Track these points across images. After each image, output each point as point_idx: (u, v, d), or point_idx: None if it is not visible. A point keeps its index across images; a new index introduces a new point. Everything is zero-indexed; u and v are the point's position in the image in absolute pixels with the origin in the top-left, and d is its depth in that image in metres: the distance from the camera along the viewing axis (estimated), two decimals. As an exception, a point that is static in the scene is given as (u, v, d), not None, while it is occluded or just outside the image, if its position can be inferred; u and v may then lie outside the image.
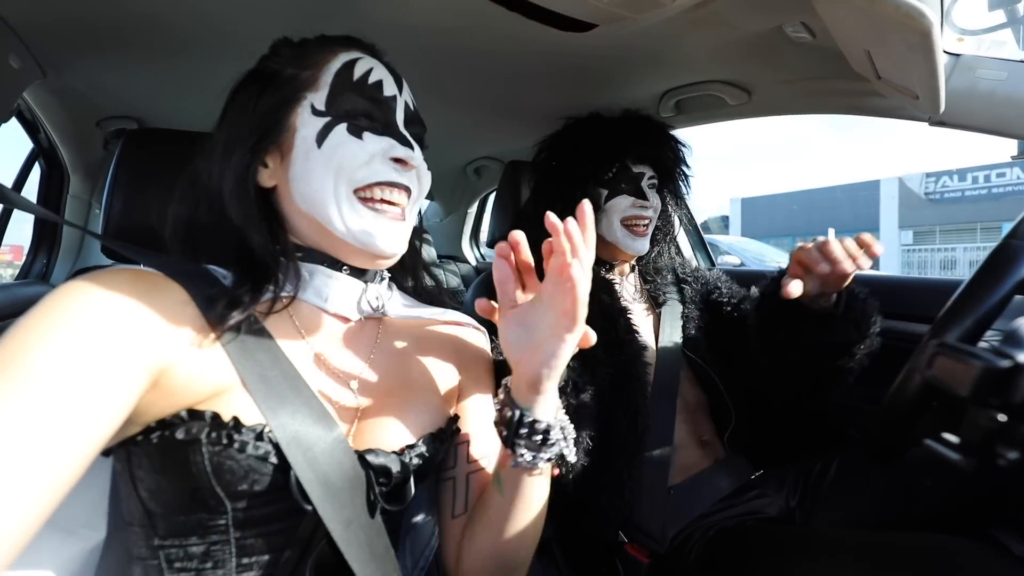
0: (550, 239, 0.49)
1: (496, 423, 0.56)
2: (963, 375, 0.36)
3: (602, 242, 1.04)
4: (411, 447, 0.55)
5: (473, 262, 2.66)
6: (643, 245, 1.04)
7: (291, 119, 0.55)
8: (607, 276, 1.05)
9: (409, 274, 0.69)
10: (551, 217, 0.48)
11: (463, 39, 0.96)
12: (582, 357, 0.83)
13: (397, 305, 0.64)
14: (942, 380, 0.38)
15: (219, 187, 0.54)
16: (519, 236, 0.52)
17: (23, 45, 0.93)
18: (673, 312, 1.08)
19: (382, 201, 0.55)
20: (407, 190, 0.57)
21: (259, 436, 0.46)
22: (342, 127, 0.54)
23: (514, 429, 0.52)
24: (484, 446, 0.64)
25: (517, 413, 0.52)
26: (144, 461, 0.47)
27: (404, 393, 0.59)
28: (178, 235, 0.58)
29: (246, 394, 0.48)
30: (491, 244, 1.35)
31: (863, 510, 0.86)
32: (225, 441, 0.45)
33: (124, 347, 0.43)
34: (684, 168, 1.13)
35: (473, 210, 2.57)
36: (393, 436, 0.55)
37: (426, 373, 0.62)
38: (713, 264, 1.73)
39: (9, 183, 1.55)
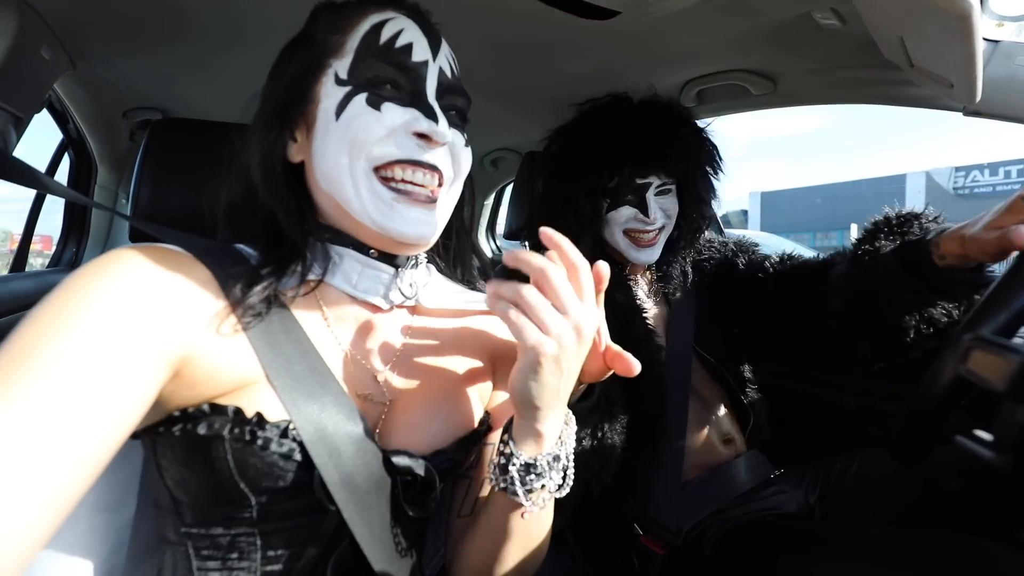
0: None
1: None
2: (1000, 369, 0.35)
3: (609, 247, 1.01)
4: (441, 452, 0.52)
5: (489, 254, 2.67)
6: (649, 255, 0.97)
7: (315, 89, 0.50)
8: (621, 275, 1.02)
9: (456, 259, 0.63)
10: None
11: (481, 26, 0.95)
12: None
13: (433, 292, 0.59)
14: (977, 374, 0.37)
15: (250, 163, 0.52)
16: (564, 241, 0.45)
17: (55, 37, 0.95)
18: (686, 308, 1.05)
19: (403, 181, 0.49)
20: (435, 170, 0.51)
21: (283, 433, 0.44)
22: (361, 97, 0.48)
23: (503, 464, 0.49)
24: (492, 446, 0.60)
25: (507, 450, 0.49)
26: (168, 452, 0.46)
27: (435, 391, 0.55)
28: (225, 218, 0.56)
29: (271, 388, 0.45)
30: (508, 236, 1.34)
31: (883, 509, 0.84)
32: (248, 438, 0.43)
33: (145, 334, 0.41)
34: (708, 168, 1.02)
35: (490, 202, 2.57)
36: (422, 438, 0.52)
37: (458, 369, 0.57)
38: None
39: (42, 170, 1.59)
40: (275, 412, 0.45)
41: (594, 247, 0.99)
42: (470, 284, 0.63)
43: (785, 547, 0.75)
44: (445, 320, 0.59)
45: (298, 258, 0.50)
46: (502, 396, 0.61)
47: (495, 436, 0.53)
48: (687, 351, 1.00)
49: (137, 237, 0.81)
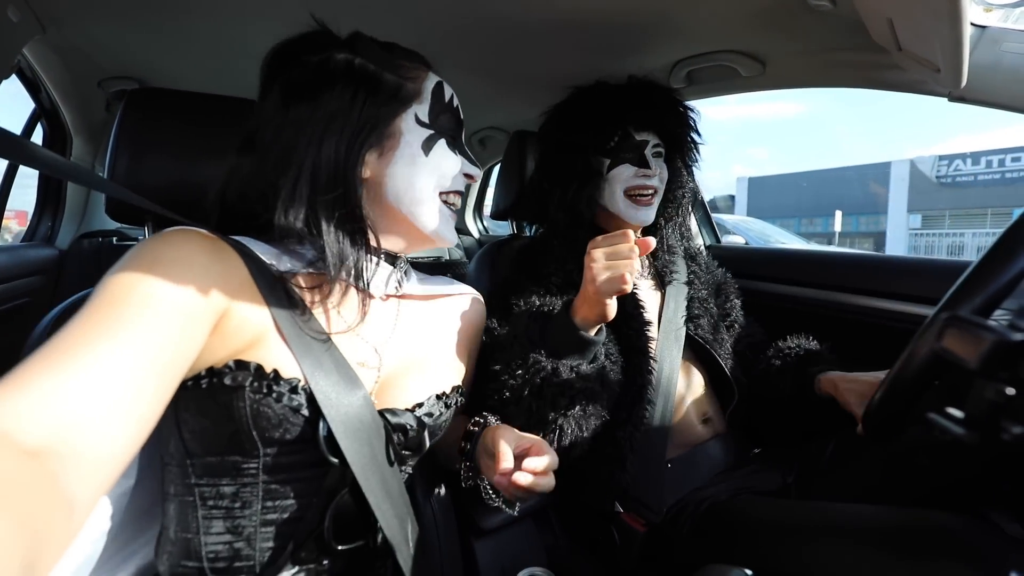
0: None
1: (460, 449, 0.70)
2: (974, 347, 0.35)
3: (606, 213, 1.02)
4: (420, 405, 0.63)
5: (476, 235, 2.65)
6: (647, 215, 1.01)
7: (398, 124, 0.62)
8: None
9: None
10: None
11: (468, 5, 0.93)
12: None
13: (414, 283, 0.72)
14: (952, 352, 0.38)
15: (317, 169, 0.57)
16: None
17: (21, -1, 0.91)
18: (678, 291, 1.07)
19: (451, 204, 0.67)
20: (461, 194, 0.69)
21: (294, 389, 0.52)
22: (443, 141, 0.64)
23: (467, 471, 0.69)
24: (467, 397, 0.76)
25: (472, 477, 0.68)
26: (192, 404, 0.52)
27: (420, 361, 0.67)
28: (232, 200, 0.61)
29: (285, 349, 0.53)
30: (495, 216, 1.33)
31: (858, 488, 0.87)
32: (265, 390, 0.51)
33: (199, 293, 0.48)
34: (694, 136, 1.07)
35: (477, 182, 2.55)
36: (407, 395, 0.63)
37: (438, 346, 0.71)
38: (718, 240, 1.71)
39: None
40: (289, 370, 0.53)
41: (584, 212, 1.01)
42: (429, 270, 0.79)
43: (761, 524, 0.77)
44: (426, 305, 0.73)
45: (314, 253, 0.57)
46: (472, 360, 0.78)
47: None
48: (678, 334, 1.02)
49: (116, 214, 0.79)
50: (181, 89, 0.82)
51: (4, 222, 1.60)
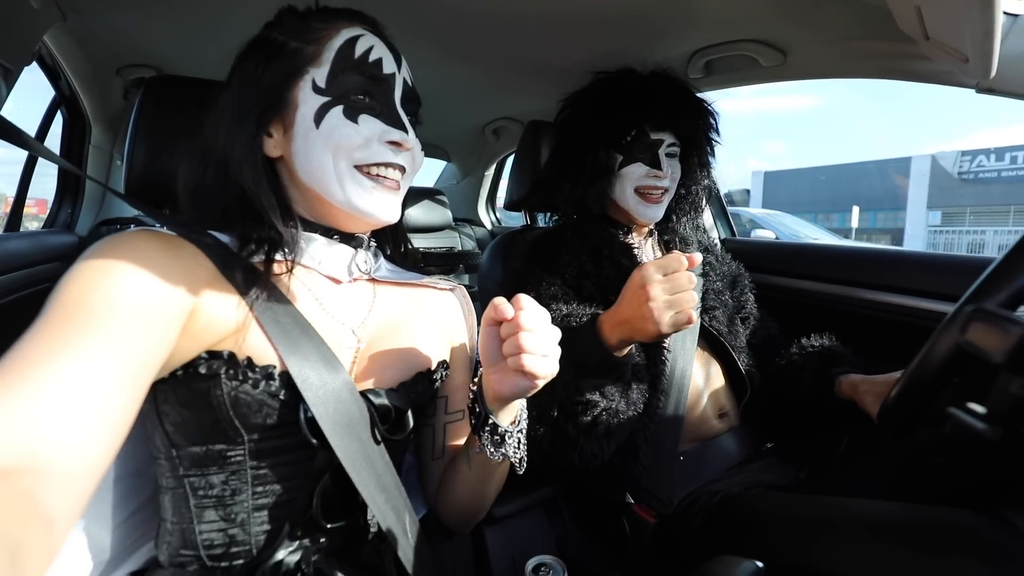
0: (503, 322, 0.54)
1: (468, 407, 0.62)
2: (1000, 340, 0.35)
3: (616, 207, 1.03)
4: (402, 384, 0.62)
5: (489, 226, 2.65)
6: (656, 212, 1.01)
7: (293, 94, 0.56)
8: (625, 240, 1.04)
9: (390, 240, 0.73)
10: (503, 309, 0.53)
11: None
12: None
13: (384, 271, 0.68)
14: (976, 345, 0.37)
15: (227, 155, 0.55)
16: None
17: (43, -14, 0.92)
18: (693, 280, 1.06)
19: (378, 176, 0.58)
20: (402, 168, 0.61)
21: (270, 375, 0.51)
22: (338, 109, 0.56)
23: (479, 424, 0.59)
24: (461, 402, 0.72)
25: (482, 413, 0.59)
26: (170, 396, 0.52)
27: (396, 340, 0.64)
28: (187, 196, 0.60)
29: (262, 336, 0.52)
30: (508, 207, 1.33)
31: (872, 485, 0.86)
32: (240, 377, 0.50)
33: (162, 293, 0.47)
34: (712, 136, 1.07)
35: (491, 173, 2.54)
36: (390, 375, 0.61)
37: (415, 328, 0.67)
38: (734, 233, 1.69)
39: (32, 132, 1.56)
40: (265, 356, 0.52)
41: (594, 206, 1.02)
42: (402, 263, 0.73)
43: (773, 518, 0.77)
44: (401, 292, 0.69)
45: (277, 245, 0.55)
46: (451, 357, 0.71)
47: (447, 388, 0.70)
48: (693, 326, 1.01)
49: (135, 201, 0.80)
50: (199, 77, 0.82)
51: (25, 210, 1.64)
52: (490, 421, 0.58)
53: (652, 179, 0.99)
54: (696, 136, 1.04)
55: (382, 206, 0.59)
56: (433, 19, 1.06)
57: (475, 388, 0.61)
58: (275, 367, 0.52)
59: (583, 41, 1.12)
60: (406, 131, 0.59)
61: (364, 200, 0.57)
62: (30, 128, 1.58)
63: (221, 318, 0.51)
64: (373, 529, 0.60)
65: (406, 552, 0.58)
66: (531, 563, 0.66)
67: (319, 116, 0.55)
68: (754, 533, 0.77)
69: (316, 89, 0.56)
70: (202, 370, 0.50)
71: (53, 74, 1.42)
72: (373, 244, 0.68)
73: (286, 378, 0.52)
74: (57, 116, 1.59)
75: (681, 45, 1.12)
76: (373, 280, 0.67)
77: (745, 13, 0.96)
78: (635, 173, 0.99)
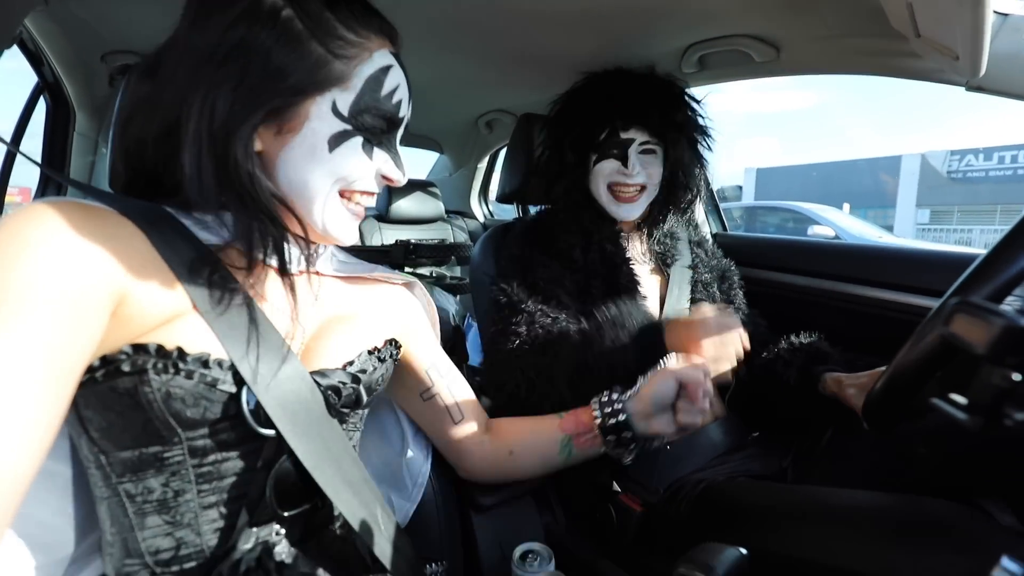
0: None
1: (601, 411, 0.75)
2: (982, 332, 0.35)
3: (596, 202, 1.05)
4: (351, 363, 0.59)
5: (481, 218, 2.64)
6: (628, 212, 1.03)
7: (307, 106, 0.51)
8: (613, 228, 1.06)
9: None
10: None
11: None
12: (581, 300, 0.99)
13: (327, 262, 0.65)
14: (960, 337, 0.38)
15: (210, 135, 0.48)
16: None
17: (24, -33, 0.90)
18: (682, 275, 1.07)
19: (356, 203, 0.58)
20: (375, 195, 0.60)
21: (205, 363, 0.47)
22: (357, 140, 0.54)
23: (620, 441, 0.73)
24: (446, 366, 0.76)
25: (623, 417, 0.73)
26: (92, 400, 0.46)
27: (346, 320, 0.62)
28: (131, 160, 0.54)
29: (199, 320, 0.48)
30: (500, 199, 1.33)
31: (854, 475, 0.87)
32: (172, 370, 0.45)
33: (88, 274, 0.42)
34: (696, 133, 1.06)
35: (483, 165, 2.53)
36: (336, 354, 0.59)
37: (361, 314, 0.65)
38: (725, 228, 1.70)
39: (13, 119, 1.53)
40: (198, 344, 0.47)
41: (581, 198, 1.05)
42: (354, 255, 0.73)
43: (756, 507, 0.78)
44: (347, 282, 0.67)
45: (277, 241, 0.52)
46: (414, 339, 0.72)
47: (428, 361, 0.73)
48: (681, 311, 1.03)
49: (118, 187, 0.79)
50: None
51: (7, 198, 1.60)
52: (636, 437, 0.73)
53: (621, 176, 1.01)
54: (675, 134, 1.03)
55: (349, 231, 0.58)
56: (428, 10, 1.05)
57: (619, 406, 0.73)
58: (210, 355, 0.47)
59: (577, 35, 1.12)
60: (402, 168, 0.59)
61: (336, 225, 0.56)
62: (11, 114, 1.55)
63: (157, 305, 0.46)
64: (336, 512, 0.57)
65: (381, 546, 0.57)
66: (519, 550, 0.67)
67: (335, 142, 0.52)
68: (738, 521, 0.78)
69: (337, 113, 0.52)
70: (126, 367, 0.44)
71: (36, 59, 1.40)
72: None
73: (224, 365, 0.47)
74: (40, 103, 1.56)
75: (675, 40, 1.12)
76: (317, 273, 0.63)
77: (739, 8, 0.96)
78: (606, 169, 1.02)
